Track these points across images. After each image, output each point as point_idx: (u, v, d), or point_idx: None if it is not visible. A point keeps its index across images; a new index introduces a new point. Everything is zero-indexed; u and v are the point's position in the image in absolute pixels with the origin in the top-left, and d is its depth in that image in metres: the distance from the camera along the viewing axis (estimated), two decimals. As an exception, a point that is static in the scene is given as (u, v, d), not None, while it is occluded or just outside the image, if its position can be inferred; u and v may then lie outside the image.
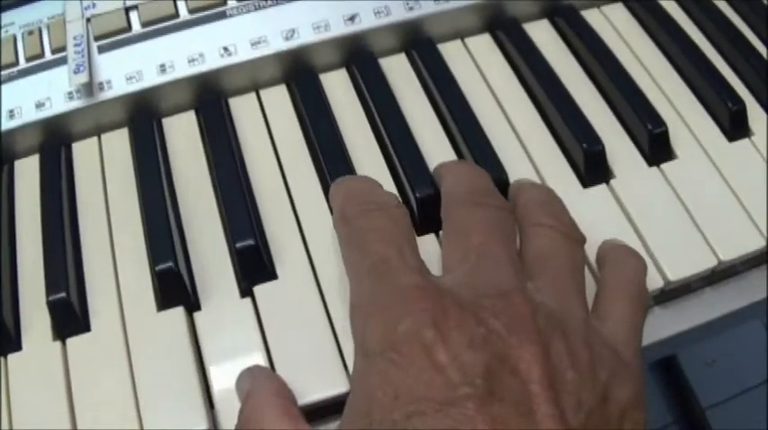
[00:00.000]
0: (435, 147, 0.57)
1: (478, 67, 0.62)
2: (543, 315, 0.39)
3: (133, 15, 0.61)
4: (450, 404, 0.34)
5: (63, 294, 0.49)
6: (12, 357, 0.48)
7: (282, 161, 0.57)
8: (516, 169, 0.54)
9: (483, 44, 0.64)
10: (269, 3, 0.61)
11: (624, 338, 0.43)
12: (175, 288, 0.50)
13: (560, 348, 0.38)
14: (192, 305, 0.50)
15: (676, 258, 0.50)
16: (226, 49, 0.60)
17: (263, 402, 0.42)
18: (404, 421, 0.34)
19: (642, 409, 0.40)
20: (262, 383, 0.44)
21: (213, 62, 0.59)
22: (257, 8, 0.61)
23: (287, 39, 0.60)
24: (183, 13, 0.61)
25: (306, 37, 0.60)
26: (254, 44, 0.60)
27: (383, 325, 0.37)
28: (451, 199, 0.47)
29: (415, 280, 0.39)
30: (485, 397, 0.35)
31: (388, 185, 0.54)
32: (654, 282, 0.49)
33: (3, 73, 0.59)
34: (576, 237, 0.46)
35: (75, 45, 0.59)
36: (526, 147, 0.56)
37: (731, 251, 0.50)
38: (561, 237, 0.46)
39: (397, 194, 0.53)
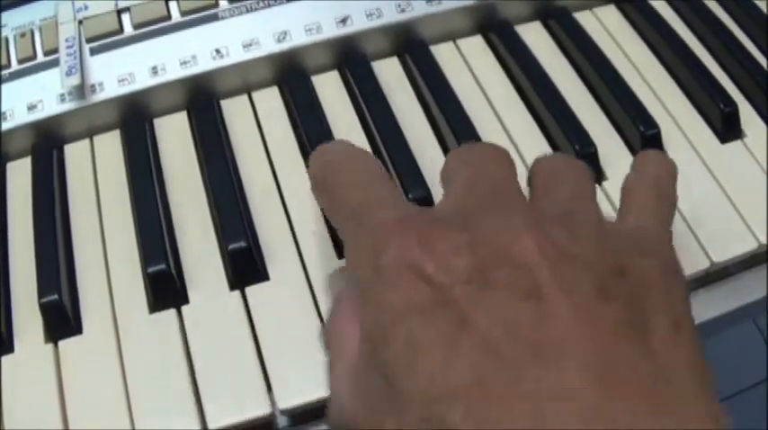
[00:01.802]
0: (427, 149, 0.57)
1: (471, 68, 0.62)
2: (540, 212, 0.37)
3: (125, 17, 0.61)
4: (443, 305, 0.33)
5: (55, 296, 0.49)
6: (4, 359, 0.48)
7: (274, 163, 0.57)
8: (508, 171, 0.54)
9: (475, 46, 0.64)
10: (261, 5, 0.61)
11: (651, 227, 0.40)
12: (167, 290, 0.50)
13: (561, 233, 0.35)
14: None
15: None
16: (218, 50, 0.60)
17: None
18: (403, 334, 0.33)
19: (680, 289, 0.37)
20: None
21: (205, 64, 0.59)
22: (249, 10, 0.61)
23: (279, 41, 0.60)
24: (175, 15, 0.61)
25: (298, 39, 0.60)
26: (246, 46, 0.60)
27: (370, 260, 0.36)
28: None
29: (391, 214, 0.38)
30: (478, 290, 0.33)
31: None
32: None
33: (-5, 75, 0.59)
34: (580, 164, 0.44)
35: (68, 47, 0.59)
36: (518, 149, 0.56)
37: (724, 253, 0.51)
38: (564, 162, 0.44)
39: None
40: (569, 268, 0.34)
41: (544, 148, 0.57)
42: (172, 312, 0.49)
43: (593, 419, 0.30)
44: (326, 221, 0.52)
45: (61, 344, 0.49)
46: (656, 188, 0.44)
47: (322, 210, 0.49)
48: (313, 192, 0.44)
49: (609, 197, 0.53)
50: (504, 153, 0.43)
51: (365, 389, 0.35)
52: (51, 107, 0.58)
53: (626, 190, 0.44)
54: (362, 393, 0.35)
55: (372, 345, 0.35)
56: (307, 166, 0.55)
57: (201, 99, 0.60)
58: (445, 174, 0.43)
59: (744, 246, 0.51)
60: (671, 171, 0.45)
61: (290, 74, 0.61)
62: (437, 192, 0.53)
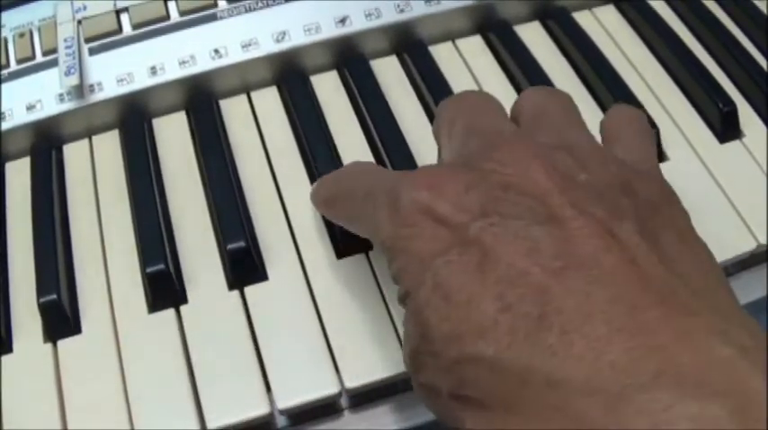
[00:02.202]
0: (426, 148, 0.56)
1: (470, 68, 0.62)
2: (540, 143, 0.38)
3: (124, 17, 0.61)
4: (463, 244, 0.34)
5: (54, 296, 0.49)
6: (3, 359, 0.48)
7: (273, 163, 0.57)
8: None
9: (474, 46, 0.64)
10: (260, 5, 0.61)
11: (639, 158, 0.42)
12: (166, 290, 0.50)
13: (566, 160, 0.37)
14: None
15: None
16: (216, 50, 0.60)
17: None
18: (429, 279, 0.34)
19: (680, 208, 0.39)
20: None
21: (204, 64, 0.59)
22: (248, 10, 0.61)
23: (278, 41, 0.60)
24: (174, 15, 0.61)
25: (297, 39, 0.60)
26: (245, 46, 0.60)
27: (388, 217, 0.37)
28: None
29: (398, 178, 0.39)
30: (495, 224, 0.34)
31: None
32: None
33: (-7, 75, 0.59)
34: (562, 93, 0.46)
35: (66, 47, 0.59)
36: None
37: (722, 253, 0.50)
38: (546, 92, 0.46)
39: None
40: (580, 191, 0.35)
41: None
42: (171, 312, 0.49)
43: (627, 331, 0.30)
44: (325, 221, 0.52)
45: (60, 343, 0.49)
46: (637, 124, 0.45)
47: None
48: (326, 213, 0.46)
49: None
50: (490, 97, 0.45)
51: (409, 335, 0.36)
52: (50, 107, 0.58)
53: (606, 127, 0.46)
54: (407, 339, 0.37)
55: (407, 294, 0.36)
56: (305, 169, 0.56)
57: (200, 99, 0.60)
58: (438, 129, 0.45)
59: (743, 246, 0.51)
60: (643, 116, 0.47)
61: (289, 74, 0.61)
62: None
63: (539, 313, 0.31)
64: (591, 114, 0.58)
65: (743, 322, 0.32)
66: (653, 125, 0.55)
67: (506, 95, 0.59)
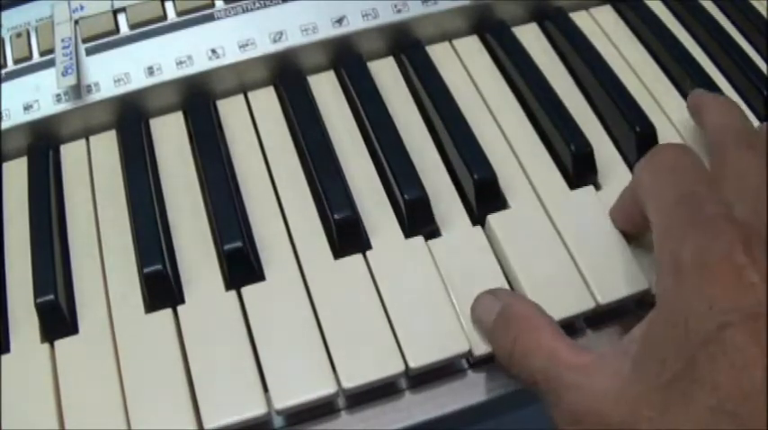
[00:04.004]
0: (423, 148, 0.57)
1: (467, 69, 0.62)
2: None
3: (121, 18, 0.61)
4: (755, 319, 0.35)
5: (51, 296, 0.49)
6: (0, 359, 0.48)
7: (270, 163, 0.57)
8: (504, 170, 0.55)
9: (471, 46, 0.64)
10: (257, 5, 0.61)
11: None
12: (163, 290, 0.50)
13: None
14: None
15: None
16: (214, 51, 0.60)
17: (534, 325, 0.44)
18: (715, 331, 0.35)
19: None
20: (522, 305, 0.46)
21: (201, 64, 0.59)
22: (245, 10, 0.61)
23: (275, 41, 0.60)
24: (171, 16, 0.61)
25: (294, 39, 0.60)
26: (242, 46, 0.60)
27: (697, 246, 0.39)
28: (722, 138, 0.50)
29: (720, 210, 0.40)
30: None
31: (376, 186, 0.55)
32: (641, 284, 0.49)
33: (-9, 75, 0.59)
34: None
35: (64, 47, 0.59)
36: (514, 149, 0.56)
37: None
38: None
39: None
40: None
41: (539, 149, 0.57)
42: (168, 312, 0.49)
43: None
44: (323, 221, 0.53)
45: (57, 344, 0.49)
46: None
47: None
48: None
49: (603, 196, 0.53)
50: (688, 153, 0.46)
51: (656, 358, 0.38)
52: (47, 107, 0.58)
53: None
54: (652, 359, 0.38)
55: (684, 329, 0.37)
56: (302, 169, 0.55)
57: (197, 99, 0.60)
58: (643, 197, 0.46)
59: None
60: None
61: (286, 74, 0.61)
62: (433, 193, 0.53)
63: None
64: (586, 117, 0.58)
65: None
66: (650, 126, 0.56)
67: (503, 96, 0.60)
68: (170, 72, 0.59)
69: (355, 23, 0.61)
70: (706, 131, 0.53)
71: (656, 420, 0.36)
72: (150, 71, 0.59)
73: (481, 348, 0.47)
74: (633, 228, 0.51)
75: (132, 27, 0.60)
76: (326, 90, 0.61)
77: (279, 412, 0.45)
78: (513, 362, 0.43)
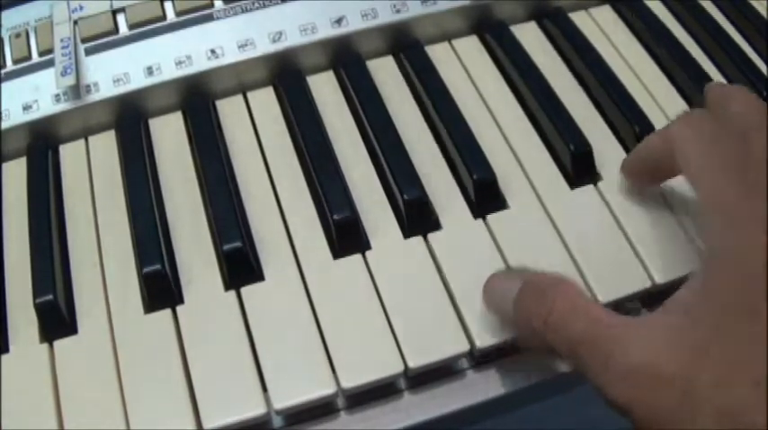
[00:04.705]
0: (423, 148, 0.57)
1: (466, 68, 0.62)
2: None
3: (120, 18, 0.61)
4: None
5: (50, 297, 0.49)
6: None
7: (269, 163, 0.57)
8: (503, 170, 0.54)
9: (470, 46, 0.64)
10: (256, 5, 0.61)
11: None
12: (162, 290, 0.50)
13: None
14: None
15: (665, 259, 0.50)
16: (213, 51, 0.60)
17: (567, 291, 0.43)
18: None
19: None
20: (547, 275, 0.45)
21: (200, 64, 0.59)
22: (244, 10, 0.61)
23: (274, 41, 0.60)
24: (171, 16, 0.61)
25: (293, 39, 0.60)
26: (242, 46, 0.60)
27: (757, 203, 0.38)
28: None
29: None
30: None
31: (376, 186, 0.55)
32: (641, 283, 0.49)
33: (-10, 75, 0.59)
34: None
35: (63, 47, 0.59)
36: (513, 149, 0.56)
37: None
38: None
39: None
40: None
41: (539, 148, 0.57)
42: (167, 312, 0.49)
43: None
44: (322, 221, 0.53)
45: (56, 344, 0.49)
46: None
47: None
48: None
49: (603, 197, 0.53)
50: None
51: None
52: (46, 107, 0.58)
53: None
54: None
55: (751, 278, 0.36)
56: (302, 169, 0.55)
57: (196, 99, 0.60)
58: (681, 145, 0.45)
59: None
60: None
61: (286, 74, 0.61)
62: (432, 193, 0.53)
63: None
64: (585, 117, 0.58)
65: None
66: (649, 126, 0.56)
67: (502, 95, 0.60)
68: (169, 72, 0.59)
69: (354, 23, 0.61)
70: (732, 120, 0.48)
71: (719, 367, 0.35)
72: (149, 71, 0.59)
73: (485, 340, 0.47)
74: (650, 180, 0.50)
75: (131, 27, 0.60)
76: (326, 90, 0.61)
77: (278, 412, 0.45)
78: (550, 331, 0.41)
